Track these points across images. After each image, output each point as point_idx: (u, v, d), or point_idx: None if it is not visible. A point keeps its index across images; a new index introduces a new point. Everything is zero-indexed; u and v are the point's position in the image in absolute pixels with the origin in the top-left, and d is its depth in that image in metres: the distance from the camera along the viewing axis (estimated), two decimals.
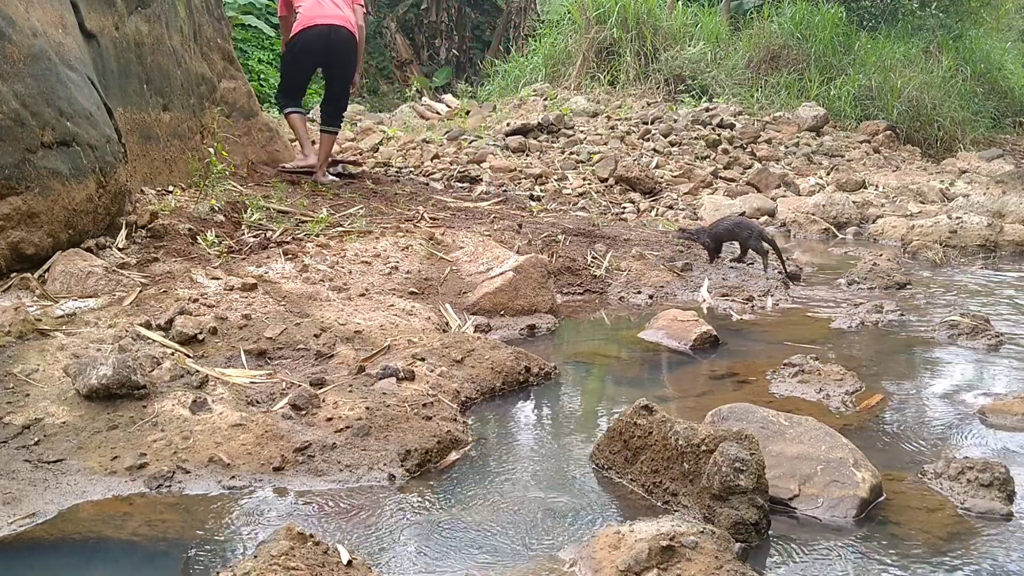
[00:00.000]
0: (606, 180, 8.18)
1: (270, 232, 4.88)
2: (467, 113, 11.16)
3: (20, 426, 2.56)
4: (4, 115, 3.50)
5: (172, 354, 3.10)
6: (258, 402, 2.84)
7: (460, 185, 7.74)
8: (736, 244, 5.62)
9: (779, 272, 5.31)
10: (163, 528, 2.19)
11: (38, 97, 3.66)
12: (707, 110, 10.73)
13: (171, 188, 5.13)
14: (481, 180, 7.90)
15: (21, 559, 2.07)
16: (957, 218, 6.73)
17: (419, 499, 2.38)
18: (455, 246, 4.91)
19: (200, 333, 3.30)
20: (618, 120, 10.34)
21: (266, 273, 4.16)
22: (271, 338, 3.34)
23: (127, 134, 4.56)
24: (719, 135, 9.94)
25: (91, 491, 2.33)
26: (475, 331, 3.87)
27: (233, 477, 2.42)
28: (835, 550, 2.14)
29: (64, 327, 3.23)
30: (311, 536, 1.84)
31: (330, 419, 2.69)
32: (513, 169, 8.26)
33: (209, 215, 4.85)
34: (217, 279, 3.91)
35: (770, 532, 2.19)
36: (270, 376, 3.05)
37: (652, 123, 10.27)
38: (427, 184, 7.54)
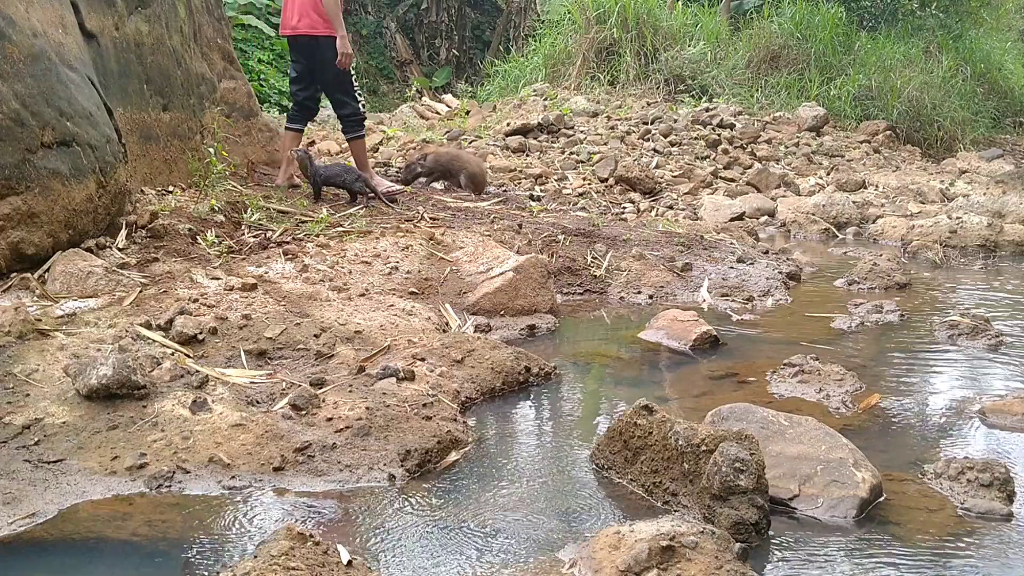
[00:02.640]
0: (606, 180, 8.18)
1: (270, 232, 4.88)
2: (467, 113, 11.15)
3: (20, 426, 2.56)
4: (4, 115, 3.50)
5: (172, 354, 3.10)
6: (258, 402, 2.84)
7: None
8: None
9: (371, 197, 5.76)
10: (163, 528, 2.19)
11: (38, 97, 3.66)
12: (707, 110, 10.72)
13: (171, 188, 5.13)
14: None
15: (21, 559, 2.07)
16: (957, 218, 6.73)
17: (419, 499, 2.38)
18: (455, 246, 4.91)
19: (200, 333, 3.30)
20: (618, 120, 10.33)
21: (266, 273, 4.16)
22: (271, 338, 3.34)
23: (127, 134, 4.55)
24: (719, 135, 9.93)
25: (91, 491, 2.33)
26: (475, 331, 3.87)
27: (233, 477, 2.42)
28: (835, 550, 2.14)
29: (64, 327, 3.23)
30: (311, 536, 1.85)
31: (330, 419, 2.69)
32: (513, 169, 8.26)
33: (209, 215, 4.85)
34: (217, 279, 3.91)
35: (770, 532, 2.19)
36: (270, 376, 3.05)
37: (652, 123, 10.26)
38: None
